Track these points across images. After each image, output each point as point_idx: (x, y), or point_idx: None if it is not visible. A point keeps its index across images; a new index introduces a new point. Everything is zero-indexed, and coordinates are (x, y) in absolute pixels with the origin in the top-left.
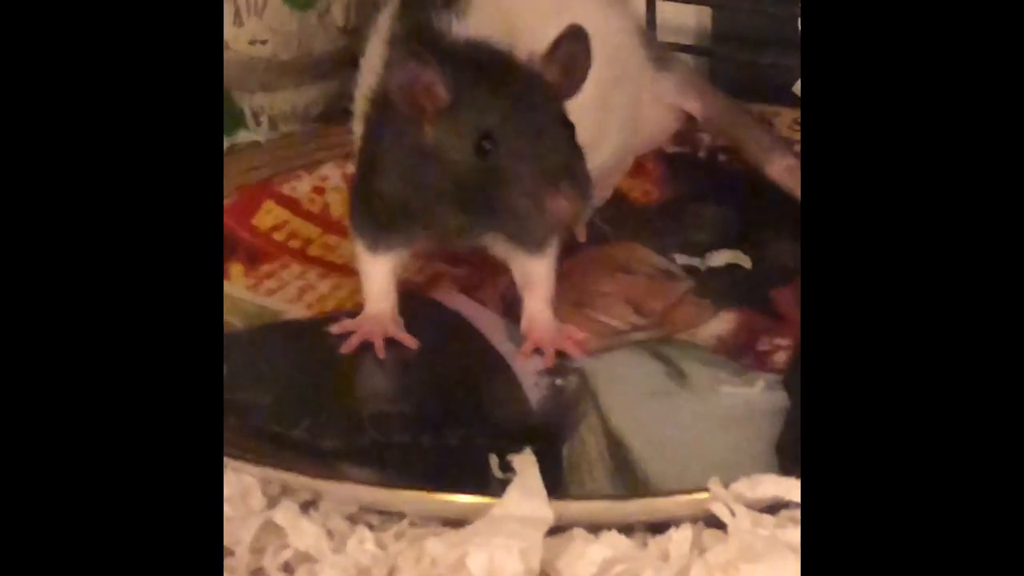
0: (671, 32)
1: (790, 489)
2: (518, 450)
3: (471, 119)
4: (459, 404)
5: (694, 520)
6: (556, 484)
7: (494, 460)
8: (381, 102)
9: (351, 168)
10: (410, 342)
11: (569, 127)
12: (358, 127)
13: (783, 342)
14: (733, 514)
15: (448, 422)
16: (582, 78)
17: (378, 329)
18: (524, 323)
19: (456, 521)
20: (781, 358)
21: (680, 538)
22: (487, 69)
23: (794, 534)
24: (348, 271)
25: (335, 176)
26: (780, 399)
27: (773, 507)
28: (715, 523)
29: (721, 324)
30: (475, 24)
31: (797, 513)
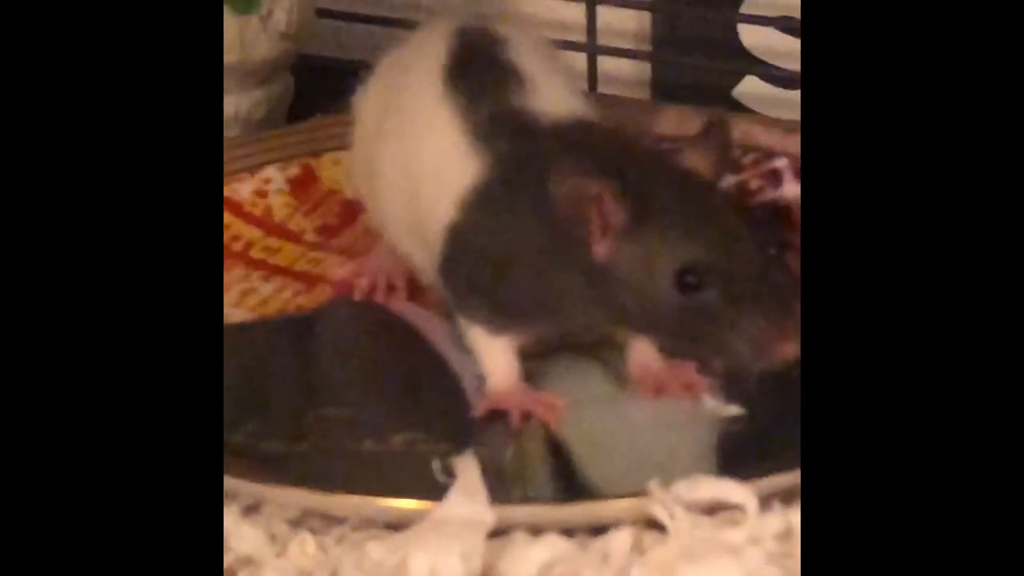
0: (612, 36)
1: (729, 491)
2: (460, 454)
3: (667, 249)
4: (402, 408)
5: (634, 522)
6: (498, 488)
7: (436, 464)
8: (495, 196)
9: (294, 171)
10: (557, 404)
11: (759, 243)
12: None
13: None
14: (673, 516)
15: (390, 426)
16: (727, 168)
17: (516, 403)
18: (634, 367)
19: (398, 525)
20: (719, 363)
21: (620, 540)
22: (654, 178)
23: (734, 535)
24: (290, 274)
25: (278, 179)
26: (719, 402)
27: (712, 509)
28: (655, 525)
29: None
30: (547, 101)
31: (736, 515)
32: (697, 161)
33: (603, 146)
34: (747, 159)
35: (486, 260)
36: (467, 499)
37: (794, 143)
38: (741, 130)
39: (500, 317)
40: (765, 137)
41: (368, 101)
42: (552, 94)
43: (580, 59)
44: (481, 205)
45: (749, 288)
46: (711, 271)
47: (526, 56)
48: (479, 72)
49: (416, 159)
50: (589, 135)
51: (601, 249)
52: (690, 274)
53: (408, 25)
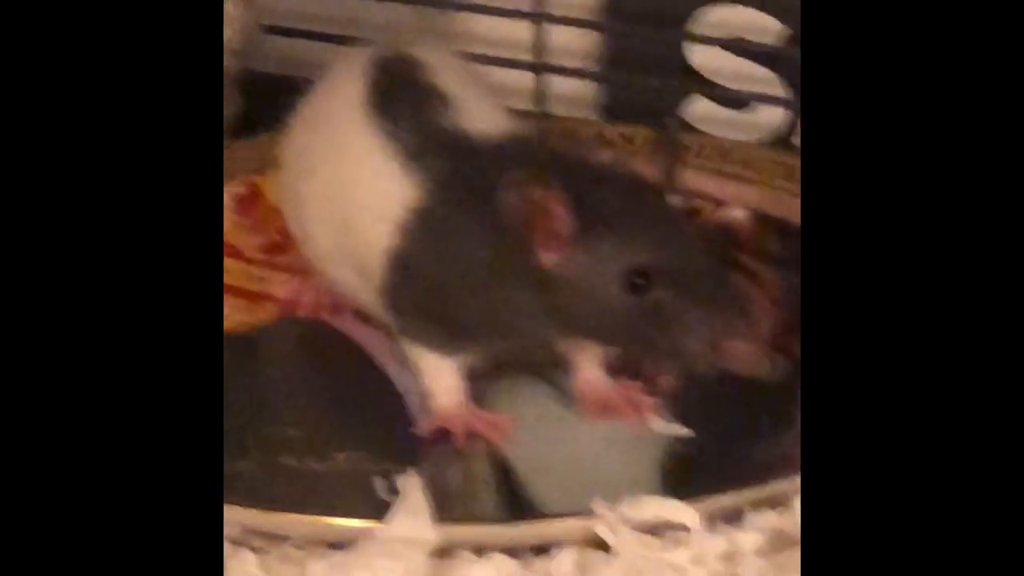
0: (560, 56)
1: (674, 511)
2: (404, 473)
3: (614, 252)
4: (345, 427)
5: (579, 542)
6: (443, 507)
7: (380, 483)
8: (436, 217)
9: (239, 188)
10: (503, 424)
11: (709, 240)
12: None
13: (668, 366)
14: (617, 535)
15: (334, 444)
16: (676, 175)
17: (461, 423)
18: (581, 388)
19: (342, 544)
20: (667, 382)
21: (564, 560)
22: (601, 185)
23: (678, 555)
24: (235, 291)
25: (223, 196)
26: (665, 422)
27: (657, 529)
28: (600, 545)
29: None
30: (477, 120)
31: (682, 535)
32: (645, 167)
33: (546, 158)
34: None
35: (432, 282)
36: (410, 518)
37: (745, 192)
38: (688, 180)
39: (448, 338)
40: (710, 187)
41: (290, 140)
42: (481, 113)
43: (528, 78)
44: (422, 227)
45: (700, 287)
46: (660, 271)
47: (448, 77)
48: (402, 97)
49: (345, 189)
50: (528, 150)
51: (550, 258)
52: (639, 275)
53: (352, 42)
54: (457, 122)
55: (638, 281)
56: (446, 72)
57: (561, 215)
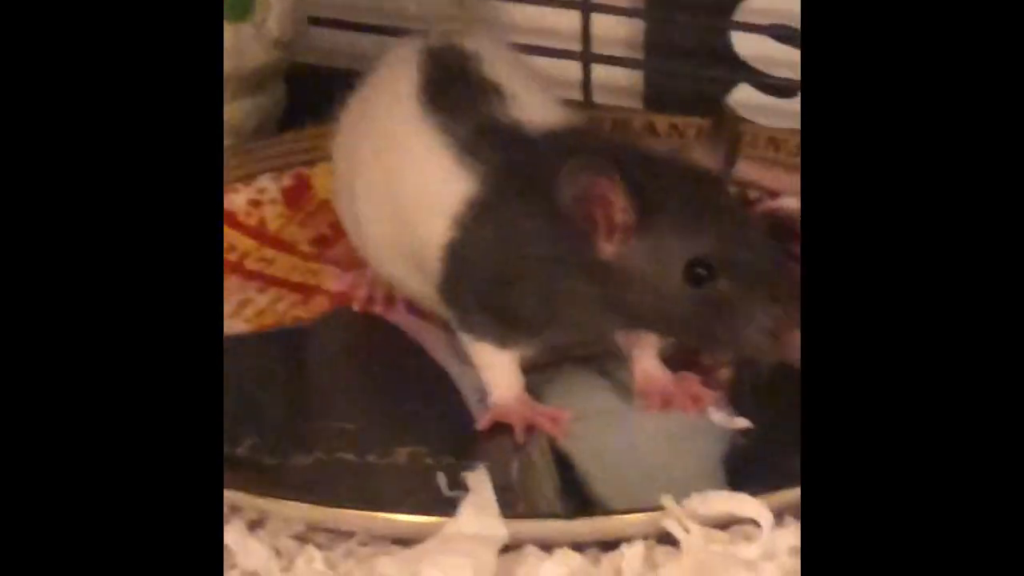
0: (605, 45)
1: (744, 505)
2: (465, 468)
3: (676, 243)
4: (404, 421)
5: (646, 537)
6: (504, 502)
7: (442, 478)
8: (492, 208)
9: (287, 181)
10: (563, 417)
11: (766, 235)
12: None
13: (727, 358)
14: (687, 531)
15: (393, 439)
16: (735, 162)
17: (520, 416)
18: (640, 380)
19: (406, 540)
20: (725, 374)
21: (632, 555)
22: (660, 175)
23: (746, 550)
24: (286, 284)
25: (272, 189)
26: (726, 415)
27: (725, 523)
28: (667, 540)
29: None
30: (531, 111)
31: (749, 528)
32: (703, 156)
33: (603, 148)
34: (752, 196)
35: (490, 275)
36: (479, 514)
37: (795, 181)
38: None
39: (507, 331)
40: (764, 177)
41: (342, 134)
42: (533, 104)
43: (574, 68)
44: (479, 219)
45: (762, 277)
46: (722, 262)
47: (500, 69)
48: (455, 89)
49: (400, 183)
50: (584, 140)
51: (609, 248)
52: (700, 266)
53: (399, 33)
54: (511, 113)
55: (700, 272)
56: (498, 63)
57: (622, 204)
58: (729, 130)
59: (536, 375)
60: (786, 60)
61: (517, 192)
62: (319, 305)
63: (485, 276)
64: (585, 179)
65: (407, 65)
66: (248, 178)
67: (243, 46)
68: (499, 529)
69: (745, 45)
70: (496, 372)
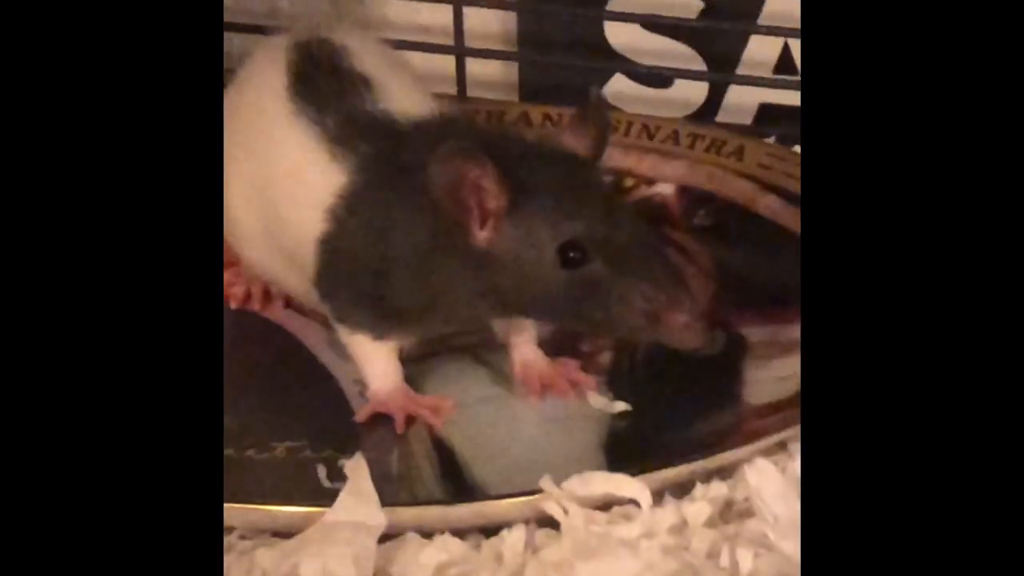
0: (478, 39)
1: (622, 486)
2: (347, 459)
3: (548, 227)
4: (283, 416)
5: (527, 521)
6: (386, 491)
7: (322, 470)
8: (365, 199)
9: None
10: (443, 406)
11: (641, 219)
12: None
13: (605, 343)
14: (566, 512)
15: (273, 434)
16: (605, 147)
17: (399, 407)
18: (518, 367)
19: (286, 532)
20: (604, 359)
21: (513, 539)
22: (531, 161)
23: (626, 529)
24: None
25: None
26: (605, 399)
27: (605, 505)
28: (547, 523)
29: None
30: (400, 102)
31: (631, 510)
32: (573, 142)
33: (473, 135)
34: (628, 184)
35: (364, 266)
36: (357, 502)
37: (671, 167)
38: (616, 160)
39: (384, 322)
40: (640, 165)
41: None
42: (403, 95)
43: (447, 62)
44: (352, 211)
45: (635, 258)
46: (594, 244)
47: (369, 61)
48: (324, 81)
49: (271, 178)
50: (454, 128)
51: (482, 235)
52: (573, 249)
53: (271, 32)
54: (380, 104)
55: (572, 255)
56: (367, 56)
57: (493, 190)
58: (596, 117)
59: (414, 365)
60: (658, 50)
61: (388, 182)
62: None
63: (359, 268)
64: (455, 165)
65: (275, 59)
66: None
67: None
68: (378, 517)
69: (618, 35)
70: (374, 364)
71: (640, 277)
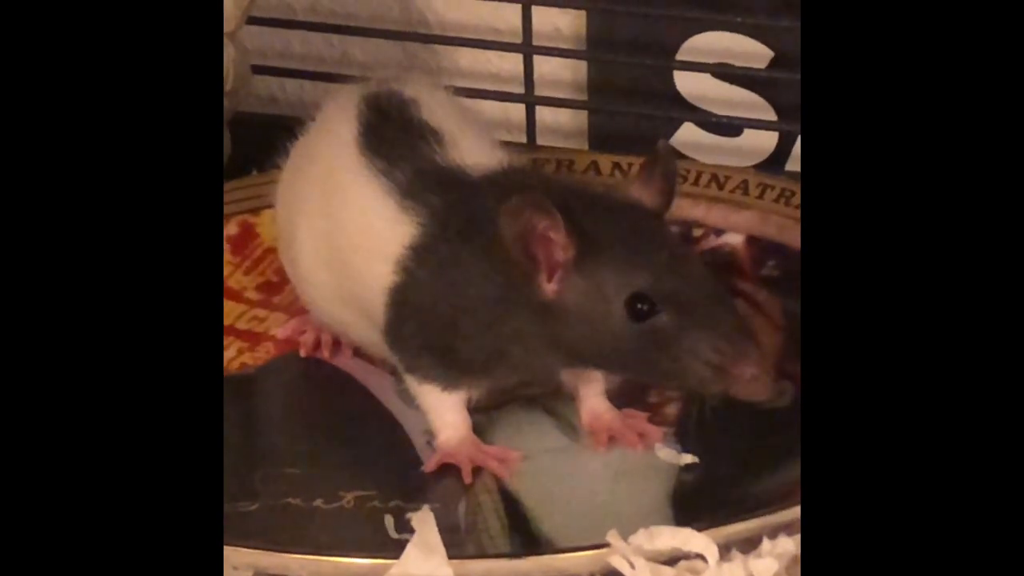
0: (548, 87)
1: (689, 540)
2: (412, 510)
3: (615, 279)
4: (351, 465)
5: (592, 575)
6: (452, 543)
7: (390, 520)
8: (435, 250)
9: (233, 228)
10: (511, 457)
11: (708, 266)
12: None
13: (673, 394)
14: (633, 567)
15: (341, 484)
16: (673, 198)
17: (467, 457)
18: (586, 418)
19: None
20: (672, 410)
21: None
22: (599, 212)
23: None
24: (233, 331)
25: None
26: (673, 451)
27: (672, 559)
28: None
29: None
30: (469, 154)
31: (697, 564)
32: (641, 193)
33: (541, 186)
34: (697, 234)
35: (434, 317)
36: (425, 555)
37: (741, 217)
38: (684, 210)
39: (453, 372)
40: (708, 215)
41: (284, 182)
42: (472, 147)
43: (518, 110)
44: (422, 263)
45: (703, 310)
46: (661, 296)
47: (438, 113)
48: (394, 134)
49: (342, 229)
50: (523, 179)
51: (551, 287)
52: (641, 301)
53: (343, 80)
54: (450, 157)
55: (640, 307)
56: (436, 107)
57: (561, 241)
58: (664, 166)
59: (483, 415)
60: (728, 99)
61: (458, 234)
62: (266, 351)
63: (429, 319)
64: (524, 217)
65: (346, 111)
66: None
67: None
68: (445, 570)
69: (688, 84)
70: (443, 414)
71: (708, 329)
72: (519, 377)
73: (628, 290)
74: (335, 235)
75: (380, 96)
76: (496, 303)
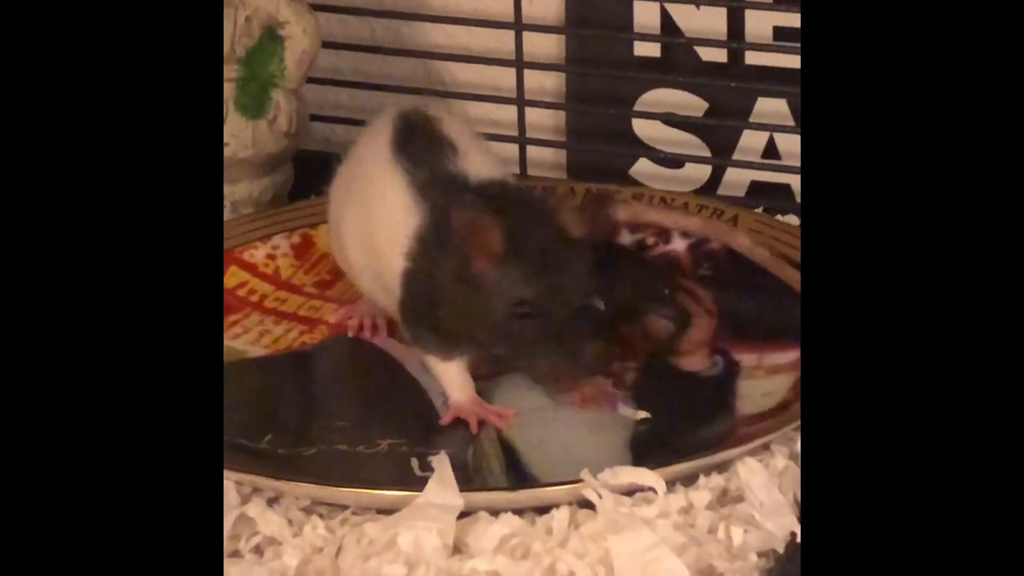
0: (535, 131)
1: (643, 477)
2: (432, 454)
3: (512, 285)
4: (385, 420)
5: (570, 503)
6: (463, 480)
7: (415, 462)
8: (430, 240)
9: (296, 239)
10: (507, 414)
11: (593, 306)
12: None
13: (631, 365)
14: (600, 497)
15: (377, 434)
16: (600, 234)
17: (473, 413)
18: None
19: (388, 510)
20: (631, 377)
21: (560, 517)
22: (533, 227)
23: (648, 511)
24: (295, 318)
25: (284, 245)
26: (631, 409)
27: (630, 491)
28: (586, 505)
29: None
30: (475, 165)
31: (649, 495)
32: (572, 221)
33: (506, 196)
34: (647, 232)
35: (427, 298)
36: (441, 488)
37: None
38: (633, 210)
39: (444, 344)
40: (663, 217)
41: (335, 184)
42: (479, 160)
43: (513, 149)
44: (420, 251)
45: (563, 331)
46: (539, 309)
47: (457, 131)
48: (419, 140)
49: (372, 219)
50: (501, 190)
51: (485, 271)
52: (522, 305)
53: None
54: (460, 166)
55: (520, 309)
56: (455, 126)
57: (494, 238)
58: (597, 206)
59: (485, 381)
60: (673, 140)
61: (444, 228)
62: (320, 333)
63: (423, 300)
64: (469, 215)
65: (384, 122)
66: (266, 238)
67: (260, 138)
68: (457, 500)
69: (643, 128)
70: (450, 379)
71: (556, 347)
72: (488, 347)
73: (519, 294)
74: (369, 222)
75: (411, 111)
76: (458, 285)
